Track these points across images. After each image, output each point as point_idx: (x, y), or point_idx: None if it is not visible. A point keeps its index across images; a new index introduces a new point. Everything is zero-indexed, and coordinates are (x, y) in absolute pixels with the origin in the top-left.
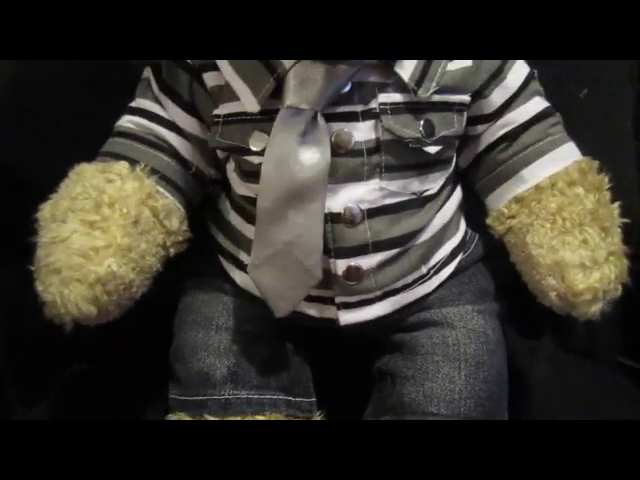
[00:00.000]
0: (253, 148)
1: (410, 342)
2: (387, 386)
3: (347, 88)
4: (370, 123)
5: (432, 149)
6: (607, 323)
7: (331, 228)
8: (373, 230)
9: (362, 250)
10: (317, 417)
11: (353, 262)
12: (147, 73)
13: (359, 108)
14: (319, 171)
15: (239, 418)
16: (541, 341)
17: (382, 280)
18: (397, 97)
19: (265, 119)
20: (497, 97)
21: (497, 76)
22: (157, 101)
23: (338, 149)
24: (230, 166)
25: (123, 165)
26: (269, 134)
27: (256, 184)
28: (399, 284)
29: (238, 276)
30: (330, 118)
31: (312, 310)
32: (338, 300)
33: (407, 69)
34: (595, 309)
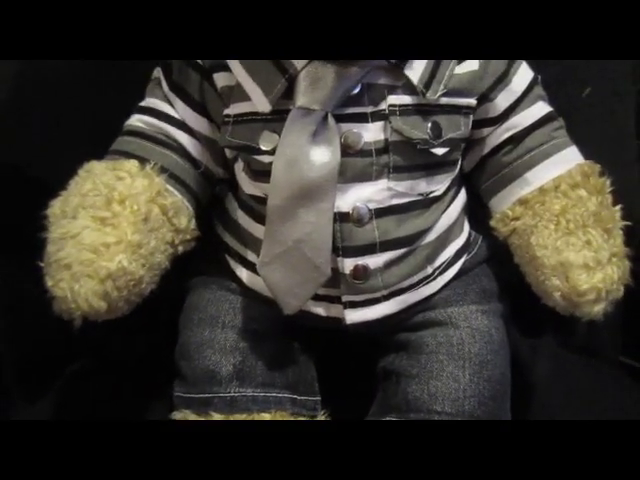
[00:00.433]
0: (263, 147)
1: (415, 341)
2: (392, 385)
3: (357, 90)
4: (379, 124)
5: (439, 151)
6: (609, 322)
7: (339, 227)
8: (381, 230)
9: (369, 249)
10: (322, 416)
11: (360, 261)
12: (157, 73)
13: (369, 109)
14: (329, 170)
15: (244, 415)
16: (543, 340)
17: (388, 279)
18: (406, 99)
19: (275, 119)
20: (502, 101)
21: (503, 80)
22: (167, 100)
23: (348, 149)
24: (239, 166)
25: (133, 163)
26: (279, 134)
27: (265, 183)
28: (405, 284)
29: (245, 275)
30: (340, 119)
31: (319, 309)
32: (345, 299)
33: (416, 71)
34: (598, 309)
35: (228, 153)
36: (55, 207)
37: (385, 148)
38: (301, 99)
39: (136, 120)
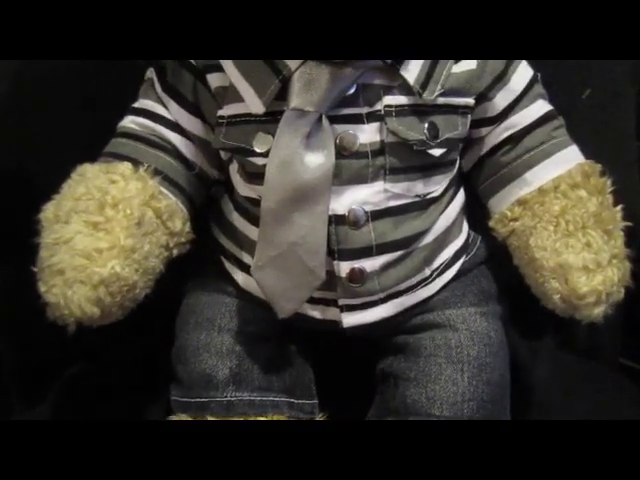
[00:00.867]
0: (257, 149)
1: (413, 344)
2: (390, 388)
3: (352, 90)
4: (375, 125)
5: (436, 152)
6: (608, 324)
7: (335, 230)
8: (377, 232)
9: (366, 252)
10: (319, 419)
11: (357, 264)
12: (150, 74)
13: (364, 110)
14: (323, 173)
15: (241, 420)
16: (542, 342)
17: (385, 282)
18: (402, 99)
19: (269, 120)
20: (501, 100)
21: (501, 79)
22: (160, 102)
23: (343, 151)
24: (233, 167)
25: (126, 166)
26: (273, 135)
27: (260, 185)
28: (402, 286)
29: (241, 277)
30: (335, 120)
31: (315, 312)
32: (341, 302)
33: (412, 72)
34: (598, 312)
35: (223, 155)
36: (48, 211)
37: (381, 150)
38: (295, 100)
39: (129, 122)
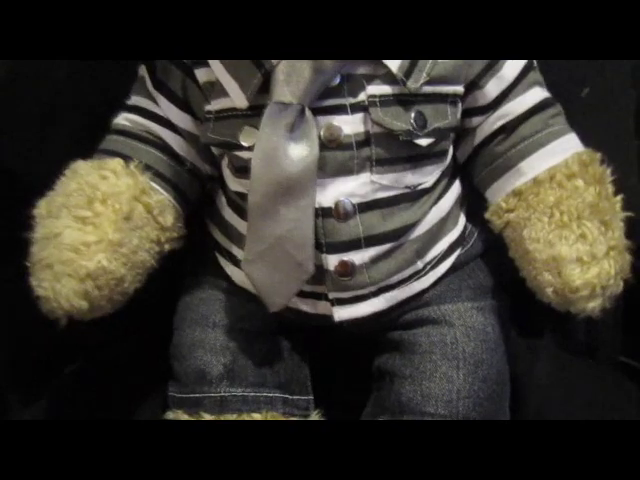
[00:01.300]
0: (243, 143)
1: (408, 340)
2: (385, 385)
3: (337, 81)
4: (359, 116)
5: (423, 141)
6: (608, 322)
7: (322, 223)
8: (365, 225)
9: (354, 245)
10: (314, 415)
11: (345, 257)
12: (142, 71)
13: (348, 101)
14: (307, 165)
15: (235, 416)
16: (542, 340)
17: (376, 275)
18: (386, 89)
19: (254, 114)
20: (493, 88)
21: (492, 66)
22: (151, 98)
23: (327, 143)
24: (224, 162)
25: (117, 162)
26: (258, 129)
27: (247, 179)
28: (394, 279)
29: (234, 273)
30: (319, 111)
31: (306, 306)
32: (332, 296)
33: (396, 60)
34: (593, 305)
35: (214, 150)
36: (41, 207)
37: (366, 140)
38: (277, 93)
39: (122, 119)
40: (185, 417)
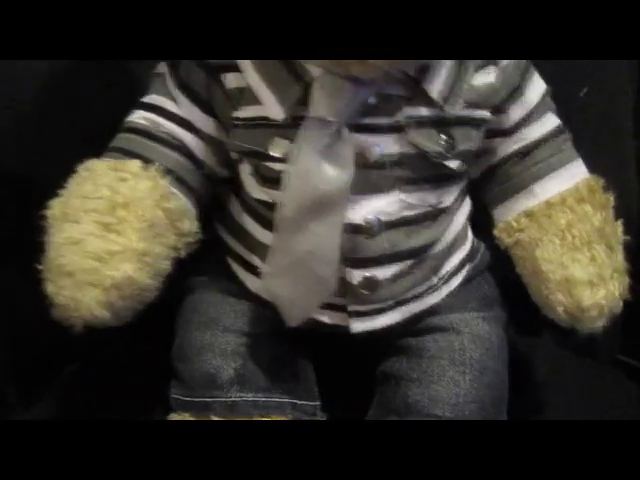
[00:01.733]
0: (273, 154)
1: (416, 346)
2: (391, 388)
3: (372, 100)
4: (394, 136)
5: (452, 163)
6: (603, 328)
7: (350, 239)
8: (390, 242)
9: (378, 261)
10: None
11: (369, 272)
12: (162, 68)
13: (384, 121)
14: (342, 184)
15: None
16: (541, 339)
17: (396, 290)
18: (423, 111)
19: (287, 126)
20: (516, 113)
21: (516, 92)
22: (172, 98)
23: (361, 161)
24: (245, 168)
25: (135, 163)
26: (290, 141)
27: (275, 190)
28: (410, 294)
29: (248, 278)
30: (355, 129)
31: (324, 317)
32: (350, 308)
33: (435, 85)
34: (599, 324)
35: (233, 154)
36: (55, 209)
37: (399, 160)
38: (316, 109)
39: (139, 117)
40: (191, 419)
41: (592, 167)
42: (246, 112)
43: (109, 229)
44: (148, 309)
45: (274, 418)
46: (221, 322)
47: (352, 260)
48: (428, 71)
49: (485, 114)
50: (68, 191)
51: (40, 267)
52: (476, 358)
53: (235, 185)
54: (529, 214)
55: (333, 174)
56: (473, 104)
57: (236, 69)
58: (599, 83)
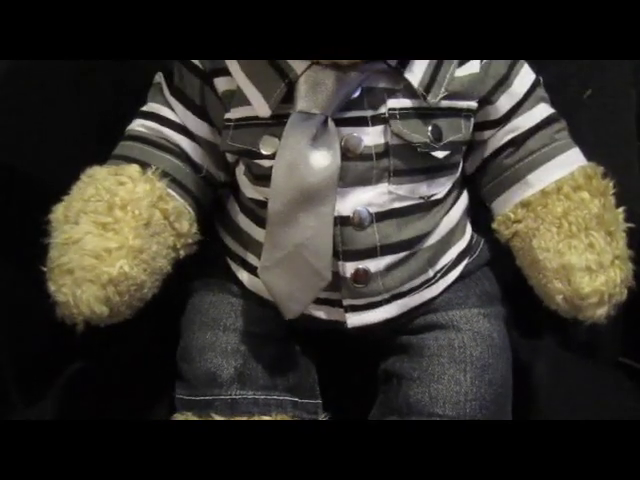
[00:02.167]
0: (264, 152)
1: (416, 344)
2: (392, 387)
3: (357, 93)
4: (379, 128)
5: (440, 154)
6: (608, 323)
7: (340, 231)
8: (381, 233)
9: (370, 253)
10: (322, 419)
11: (361, 265)
12: (159, 78)
13: (368, 113)
14: (329, 175)
15: (245, 418)
16: (542, 340)
17: (389, 283)
18: (406, 102)
19: (276, 123)
20: (504, 103)
21: (503, 82)
22: (168, 105)
23: (348, 153)
24: (240, 169)
25: (134, 168)
26: (279, 138)
27: (266, 187)
28: (406, 287)
29: (246, 278)
30: (340, 123)
31: (320, 312)
32: (346, 303)
33: (416, 75)
34: (601, 312)
35: (229, 157)
36: (58, 212)
37: (385, 152)
38: (301, 103)
39: (138, 125)
40: (194, 419)
41: None
42: (237, 113)
43: (106, 228)
44: (151, 309)
45: (275, 416)
46: (222, 322)
47: (344, 252)
48: (409, 61)
49: (471, 104)
50: (71, 196)
51: (43, 268)
52: (476, 356)
53: (233, 187)
54: (525, 204)
55: (320, 166)
56: (458, 94)
57: (227, 73)
58: (603, 85)
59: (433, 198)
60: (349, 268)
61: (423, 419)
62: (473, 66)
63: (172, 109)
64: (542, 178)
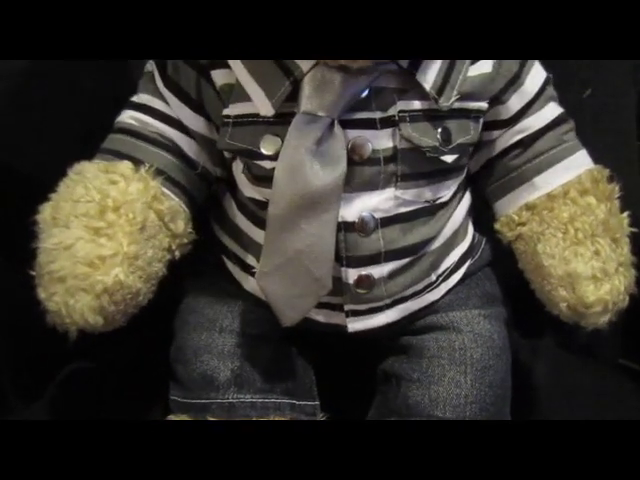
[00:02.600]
0: (264, 152)
1: (416, 345)
2: (391, 388)
3: (365, 94)
4: (388, 131)
5: (449, 158)
6: (608, 325)
7: (344, 237)
8: (386, 239)
9: (374, 259)
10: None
11: (364, 271)
12: (150, 67)
13: (377, 115)
14: (334, 180)
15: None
16: (543, 341)
17: (392, 289)
18: (417, 104)
19: (278, 122)
20: (515, 103)
21: (515, 81)
22: (162, 98)
23: (354, 157)
24: (237, 166)
25: (126, 165)
26: (281, 138)
27: (267, 188)
28: (409, 292)
29: (244, 278)
30: (347, 125)
31: (320, 316)
32: (347, 308)
33: (429, 77)
34: (604, 320)
35: (226, 153)
36: (45, 213)
37: (394, 156)
38: (306, 104)
39: (128, 117)
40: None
41: None
42: (236, 109)
43: (99, 233)
44: (146, 310)
45: (273, 419)
46: (218, 323)
47: (347, 259)
48: (422, 62)
49: (482, 105)
50: (58, 195)
51: (32, 273)
52: (477, 357)
53: (230, 183)
54: (531, 207)
55: (325, 171)
56: (469, 95)
57: (225, 65)
58: (602, 84)
59: (439, 201)
60: (352, 274)
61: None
62: (485, 66)
63: (165, 102)
64: (549, 181)
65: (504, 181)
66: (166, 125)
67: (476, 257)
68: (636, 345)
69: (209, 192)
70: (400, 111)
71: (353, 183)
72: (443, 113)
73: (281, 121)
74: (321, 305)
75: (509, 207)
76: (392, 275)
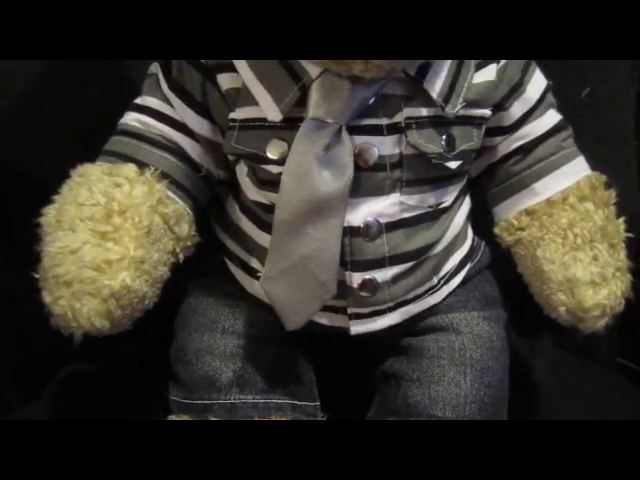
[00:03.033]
0: (271, 156)
1: (416, 345)
2: (391, 388)
3: (372, 101)
4: (394, 137)
5: (453, 164)
6: (605, 328)
7: (349, 241)
8: (390, 244)
9: (378, 263)
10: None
11: (368, 275)
12: (155, 68)
13: (384, 121)
14: (341, 187)
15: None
16: (541, 341)
17: (395, 292)
18: (423, 112)
19: (284, 127)
20: (517, 109)
21: (517, 88)
22: (166, 100)
23: (361, 163)
24: (241, 169)
25: (131, 168)
26: (288, 143)
27: (272, 192)
28: (411, 295)
29: (246, 280)
30: (353, 131)
31: (323, 319)
32: (350, 311)
33: (435, 85)
34: (601, 323)
35: (230, 156)
36: (49, 216)
37: (399, 162)
38: (314, 110)
39: (132, 119)
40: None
41: (594, 167)
42: (242, 113)
43: (105, 237)
44: (147, 310)
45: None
46: (220, 324)
47: (352, 263)
48: (429, 70)
49: (485, 112)
50: (62, 197)
51: (36, 276)
52: (476, 358)
53: (232, 186)
54: (530, 212)
55: (331, 177)
56: (473, 103)
57: (232, 69)
58: (601, 83)
59: (441, 206)
60: (356, 278)
61: (422, 420)
62: (489, 73)
63: (170, 104)
64: (549, 187)
65: (504, 186)
66: (170, 128)
67: (476, 260)
68: (634, 345)
69: (212, 195)
70: (407, 118)
71: (359, 189)
72: (448, 120)
73: (288, 126)
74: (325, 308)
75: (509, 212)
76: (395, 279)
